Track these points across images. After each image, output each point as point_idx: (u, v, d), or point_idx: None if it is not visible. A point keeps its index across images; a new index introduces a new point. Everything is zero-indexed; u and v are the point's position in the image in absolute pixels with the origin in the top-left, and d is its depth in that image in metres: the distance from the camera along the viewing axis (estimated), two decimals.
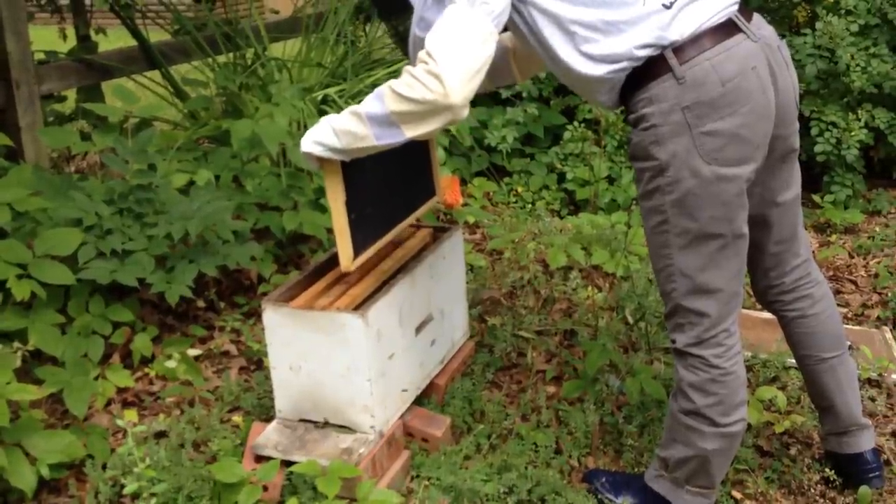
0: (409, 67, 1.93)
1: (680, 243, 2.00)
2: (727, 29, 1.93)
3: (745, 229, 2.02)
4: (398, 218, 2.52)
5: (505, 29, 2.01)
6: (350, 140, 2.04)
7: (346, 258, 2.26)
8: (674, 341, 2.10)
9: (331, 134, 2.06)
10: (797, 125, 2.10)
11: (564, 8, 1.94)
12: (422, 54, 1.90)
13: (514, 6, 1.98)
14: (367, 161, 2.15)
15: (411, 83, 1.90)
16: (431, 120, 1.94)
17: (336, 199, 2.20)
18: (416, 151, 2.53)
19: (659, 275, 2.08)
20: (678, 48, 1.90)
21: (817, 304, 2.27)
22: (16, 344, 1.86)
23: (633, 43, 1.91)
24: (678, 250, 2.01)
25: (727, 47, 1.91)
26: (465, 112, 1.93)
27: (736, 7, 1.98)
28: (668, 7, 1.91)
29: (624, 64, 1.93)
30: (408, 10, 2.14)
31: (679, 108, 1.90)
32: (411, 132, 1.97)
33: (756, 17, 2.01)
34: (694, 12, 1.92)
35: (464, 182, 4.32)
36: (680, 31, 1.91)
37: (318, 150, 2.10)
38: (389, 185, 2.45)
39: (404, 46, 2.26)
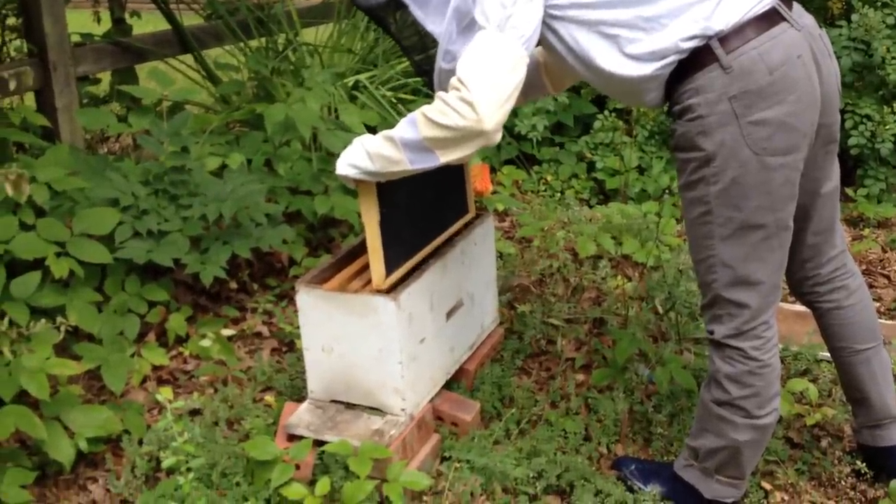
0: (441, 94, 1.94)
1: (723, 233, 1.99)
2: (771, 17, 1.91)
3: (791, 221, 2.01)
4: (431, 237, 2.54)
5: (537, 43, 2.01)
6: (384, 164, 2.06)
7: (379, 276, 2.29)
8: (711, 332, 2.09)
9: (365, 157, 2.09)
10: (839, 115, 2.10)
11: (602, 13, 1.93)
12: (454, 81, 1.91)
13: (546, 25, 1.98)
14: (402, 181, 2.17)
15: (444, 110, 1.91)
16: (465, 145, 1.96)
17: (370, 218, 2.23)
18: (451, 169, 2.52)
19: (699, 265, 2.07)
20: (724, 38, 1.89)
21: (853, 294, 2.26)
22: (59, 318, 1.89)
23: (677, 36, 1.90)
24: (721, 241, 2.00)
25: (773, 36, 1.89)
26: (499, 136, 1.95)
27: None
28: None
29: (671, 58, 1.92)
30: (401, 7, 2.15)
31: (726, 97, 1.89)
32: (446, 157, 1.99)
33: (796, 5, 2.00)
34: (736, 1, 1.91)
35: (493, 170, 4.32)
36: (725, 20, 1.89)
37: (352, 173, 2.13)
38: (423, 204, 2.47)
39: (407, 50, 2.26)
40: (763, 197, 1.94)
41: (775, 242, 2.00)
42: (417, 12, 2.14)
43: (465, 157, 2.00)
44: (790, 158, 1.94)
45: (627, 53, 1.95)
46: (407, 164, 2.03)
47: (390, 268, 2.31)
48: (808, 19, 2.00)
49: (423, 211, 2.48)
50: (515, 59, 1.92)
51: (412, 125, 1.98)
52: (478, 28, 1.94)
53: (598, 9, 1.94)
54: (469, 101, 1.88)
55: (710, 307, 2.09)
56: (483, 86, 1.88)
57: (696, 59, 1.90)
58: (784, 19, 1.93)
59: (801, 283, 2.29)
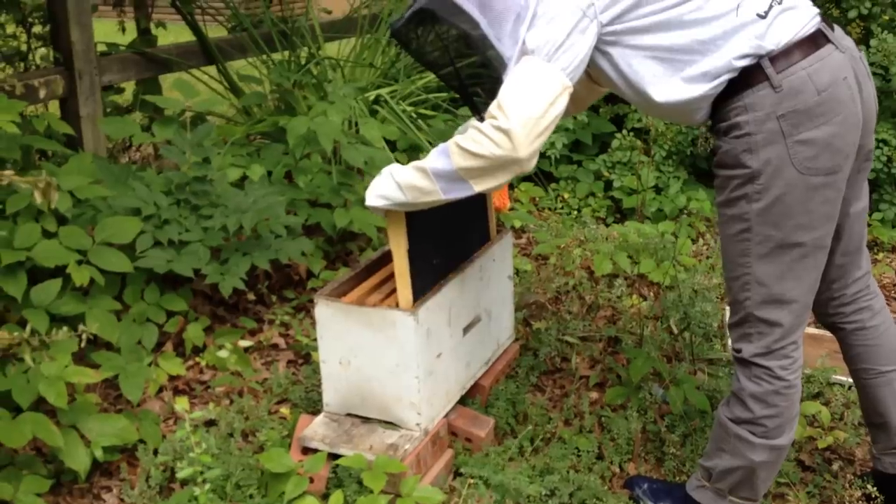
0: (475, 123, 1.95)
1: (760, 252, 1.99)
2: (818, 39, 1.94)
3: (828, 241, 2.02)
4: (456, 263, 2.55)
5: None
6: (416, 195, 2.09)
7: (406, 301, 2.30)
8: (739, 350, 2.09)
9: (396, 189, 2.11)
10: (874, 137, 2.11)
11: (658, 37, 1.94)
12: (492, 107, 1.92)
13: (599, 49, 1.98)
14: (429, 210, 2.18)
15: (479, 139, 1.93)
16: (499, 174, 1.98)
17: (399, 246, 2.25)
18: (474, 198, 2.54)
19: (732, 283, 2.07)
20: (773, 57, 1.91)
21: (876, 315, 2.26)
22: (81, 327, 1.91)
23: (731, 55, 1.92)
24: (757, 259, 2.00)
25: (820, 57, 1.92)
26: (533, 164, 1.96)
27: (820, 18, 1.99)
28: (763, 17, 1.92)
29: (724, 77, 1.94)
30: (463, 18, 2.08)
31: (774, 116, 1.90)
32: (480, 186, 2.01)
33: (837, 28, 2.02)
34: (787, 22, 1.93)
35: (511, 186, 4.34)
36: (776, 40, 1.91)
37: (382, 204, 2.15)
38: (449, 232, 2.49)
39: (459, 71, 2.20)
40: (803, 216, 1.95)
41: (811, 262, 2.01)
42: (495, 42, 2.07)
43: (499, 185, 2.01)
44: (833, 178, 1.95)
45: (683, 77, 1.96)
46: (440, 193, 2.05)
47: (417, 294, 2.32)
48: (848, 42, 2.02)
49: (449, 239, 2.50)
50: (558, 91, 1.92)
51: (445, 156, 2.00)
52: (526, 51, 1.94)
53: (653, 33, 1.95)
54: (505, 129, 1.89)
55: (739, 325, 2.09)
56: (521, 115, 1.89)
57: (747, 78, 1.92)
58: (829, 41, 1.95)
59: (826, 304, 2.28)
